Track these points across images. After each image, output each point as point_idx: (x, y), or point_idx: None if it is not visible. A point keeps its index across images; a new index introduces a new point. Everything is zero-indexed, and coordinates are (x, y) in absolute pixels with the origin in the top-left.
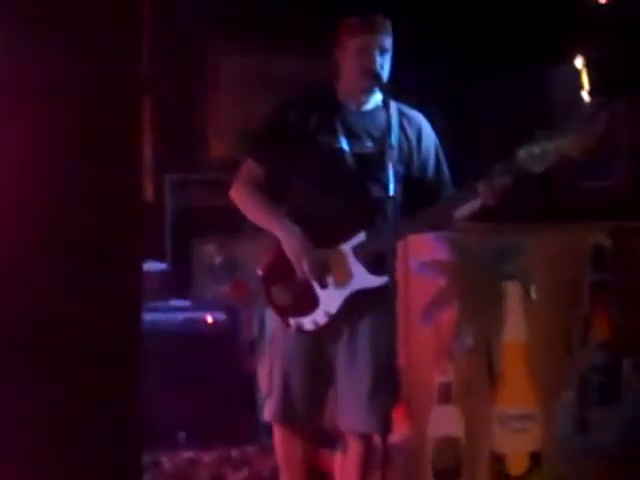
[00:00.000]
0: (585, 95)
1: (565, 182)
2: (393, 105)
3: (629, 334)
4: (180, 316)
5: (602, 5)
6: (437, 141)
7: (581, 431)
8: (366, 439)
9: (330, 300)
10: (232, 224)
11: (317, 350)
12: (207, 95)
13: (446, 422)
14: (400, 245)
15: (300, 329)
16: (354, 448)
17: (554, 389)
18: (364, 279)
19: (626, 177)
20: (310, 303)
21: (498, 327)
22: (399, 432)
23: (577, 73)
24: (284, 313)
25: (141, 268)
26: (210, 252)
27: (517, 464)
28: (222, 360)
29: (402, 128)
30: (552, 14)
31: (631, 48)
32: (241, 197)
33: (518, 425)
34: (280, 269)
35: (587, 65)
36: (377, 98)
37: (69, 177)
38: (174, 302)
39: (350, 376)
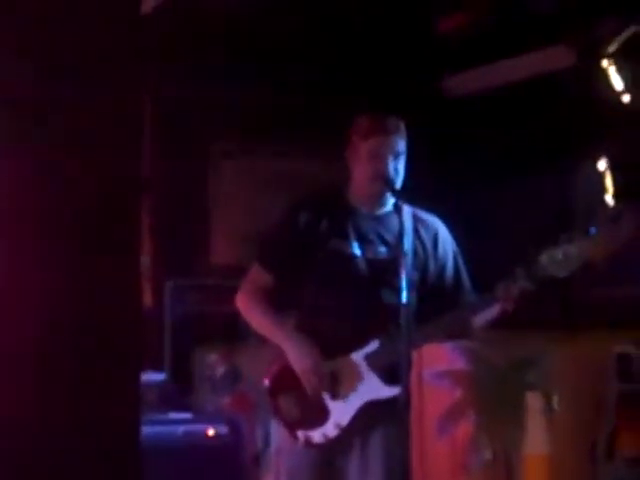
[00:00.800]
0: (609, 198)
1: (586, 288)
2: (408, 210)
3: None
4: (180, 429)
5: (626, 104)
6: (455, 246)
7: None
8: None
9: (341, 412)
10: (235, 332)
11: (326, 465)
12: (208, 198)
13: None
14: (414, 354)
15: (309, 443)
16: None
17: None
18: (377, 389)
19: None
20: (320, 415)
21: (518, 440)
22: None
23: (600, 176)
24: (292, 426)
25: (139, 379)
26: (212, 362)
27: None
28: (225, 475)
29: (417, 233)
30: (575, 114)
31: None
32: (247, 306)
33: None
34: (288, 380)
35: (610, 167)
36: (390, 202)
37: (68, 284)
38: (174, 414)
39: None
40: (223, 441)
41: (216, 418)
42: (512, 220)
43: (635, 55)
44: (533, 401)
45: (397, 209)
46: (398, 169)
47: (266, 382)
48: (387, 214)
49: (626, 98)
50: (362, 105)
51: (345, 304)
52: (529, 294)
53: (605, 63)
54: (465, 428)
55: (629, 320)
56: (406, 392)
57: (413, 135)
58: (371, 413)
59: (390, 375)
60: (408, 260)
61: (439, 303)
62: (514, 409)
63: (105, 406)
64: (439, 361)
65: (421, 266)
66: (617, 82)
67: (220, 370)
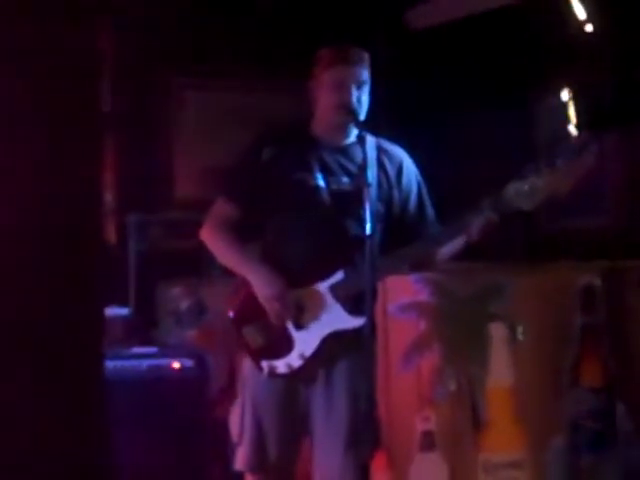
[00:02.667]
0: (572, 129)
1: (552, 219)
2: (371, 140)
3: (623, 378)
4: (145, 363)
5: (588, 34)
6: (419, 177)
7: (573, 478)
8: None
9: (306, 342)
10: (199, 266)
11: (291, 395)
12: (172, 131)
13: (429, 472)
14: (379, 286)
15: (273, 373)
16: None
17: (544, 435)
18: (342, 319)
19: (618, 214)
20: (284, 345)
21: (483, 371)
22: None
23: (563, 106)
24: (256, 356)
25: (103, 313)
26: (176, 296)
27: None
28: (190, 408)
29: (380, 164)
30: (537, 44)
31: (620, 79)
32: (212, 238)
33: (506, 473)
34: (252, 310)
35: (574, 98)
36: (354, 133)
37: (27, 219)
38: (138, 349)
39: (326, 425)
40: (188, 374)
41: (181, 352)
42: (478, 154)
43: None
44: (497, 332)
45: (361, 140)
46: (361, 99)
47: (230, 313)
48: (351, 145)
49: (589, 27)
50: (328, 39)
51: (309, 235)
52: (494, 225)
53: None
54: (430, 360)
55: (594, 252)
56: (371, 323)
57: (377, 68)
58: (335, 343)
59: (355, 306)
60: (372, 191)
61: (404, 234)
62: (478, 340)
63: (70, 340)
64: (403, 293)
65: (385, 197)
66: (579, 10)
67: (184, 304)
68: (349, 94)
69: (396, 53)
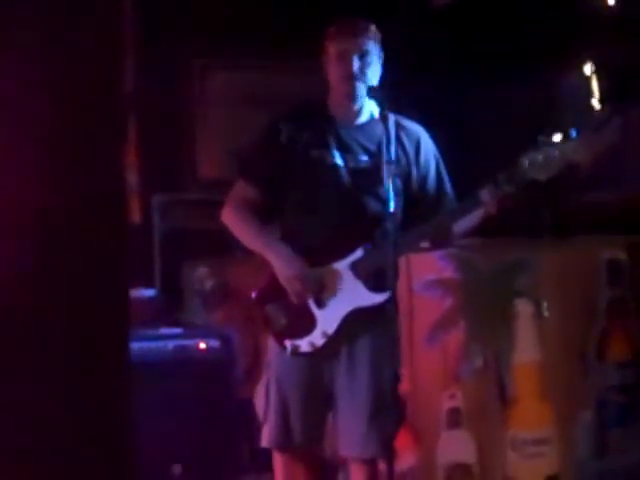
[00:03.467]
0: (595, 103)
1: (576, 193)
2: (390, 117)
3: None
4: (171, 344)
5: (611, 8)
6: (437, 153)
7: (600, 453)
8: (370, 465)
9: (328, 320)
10: (223, 246)
11: (315, 373)
12: (193, 114)
13: (456, 448)
14: (403, 264)
15: (296, 352)
16: (357, 475)
17: (570, 410)
18: (363, 297)
19: None
20: (307, 324)
21: (509, 347)
22: (406, 459)
23: (586, 80)
24: (280, 336)
25: (128, 295)
26: (201, 276)
27: None
28: (217, 388)
29: (399, 140)
30: (559, 17)
31: None
32: (233, 220)
33: (533, 449)
34: (275, 291)
35: (597, 72)
36: (371, 110)
37: (52, 201)
38: (164, 330)
39: (350, 399)
40: (214, 355)
41: (207, 332)
42: (497, 127)
43: None
44: (523, 307)
45: (382, 117)
46: (364, 69)
47: (253, 293)
48: (369, 122)
49: (611, 1)
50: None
51: (328, 214)
52: (512, 198)
53: None
54: (455, 337)
55: (619, 225)
56: (394, 299)
57: (400, 43)
58: (358, 321)
59: (375, 283)
60: (391, 168)
61: (423, 211)
62: (504, 316)
63: (95, 322)
64: (428, 270)
65: (404, 174)
66: None
67: (209, 284)
68: (350, 64)
69: (417, 30)
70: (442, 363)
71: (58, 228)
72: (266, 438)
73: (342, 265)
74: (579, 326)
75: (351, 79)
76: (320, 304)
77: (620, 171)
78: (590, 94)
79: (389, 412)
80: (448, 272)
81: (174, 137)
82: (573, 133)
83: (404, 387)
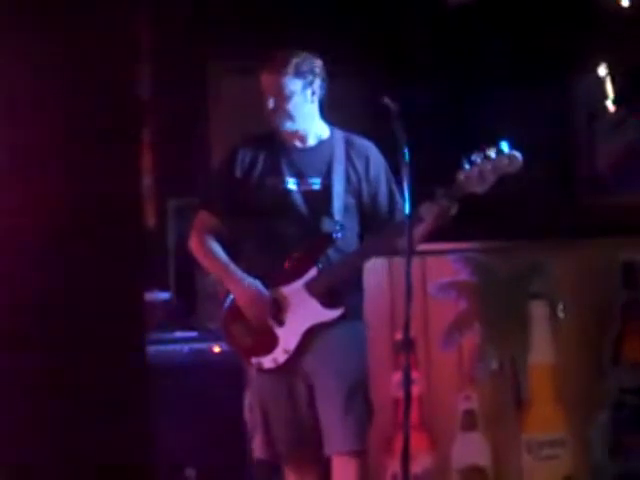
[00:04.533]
0: (609, 104)
1: (592, 196)
2: (340, 135)
3: None
4: (185, 347)
5: (625, 9)
6: (387, 168)
7: (616, 456)
8: (355, 460)
9: (288, 337)
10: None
11: (287, 386)
12: (210, 116)
13: (471, 451)
14: (417, 267)
15: (260, 368)
16: (345, 471)
17: (586, 412)
18: (319, 313)
19: None
20: (269, 342)
21: (524, 349)
22: (421, 462)
23: (601, 82)
24: (245, 354)
25: (143, 299)
26: (215, 280)
27: None
28: (232, 391)
29: (349, 158)
30: (575, 21)
31: None
32: (196, 249)
33: (548, 451)
34: (238, 313)
35: (611, 73)
36: (319, 132)
37: (70, 205)
38: (179, 333)
39: (324, 401)
40: (229, 358)
41: (222, 335)
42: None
43: None
44: (538, 309)
45: (329, 138)
46: (281, 104)
47: (221, 315)
48: (319, 144)
49: (625, 2)
50: (361, 20)
51: (284, 237)
52: (448, 211)
53: None
54: (471, 339)
55: (634, 227)
56: (350, 310)
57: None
58: (317, 335)
59: (330, 299)
60: (340, 187)
61: (376, 225)
62: (519, 318)
63: (110, 325)
64: (443, 273)
65: (355, 190)
66: None
67: (224, 287)
68: (267, 101)
69: (432, 30)
70: (457, 365)
71: (74, 232)
72: (256, 451)
73: (297, 285)
74: (594, 328)
75: (270, 114)
76: (280, 322)
77: (636, 173)
78: (604, 96)
79: (360, 407)
80: (463, 275)
81: (189, 141)
82: (506, 147)
83: (419, 390)
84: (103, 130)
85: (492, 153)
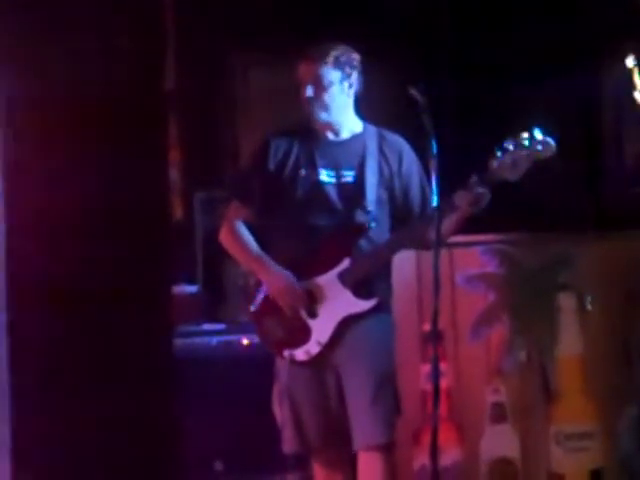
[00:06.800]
0: (637, 95)
1: (619, 188)
2: (373, 130)
3: None
4: (214, 340)
5: None
6: (419, 164)
7: None
8: (383, 455)
9: (321, 329)
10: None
11: (319, 378)
12: (236, 109)
13: (500, 443)
14: (445, 258)
15: (293, 360)
16: (372, 466)
17: (615, 404)
18: (352, 304)
19: None
20: (302, 334)
21: (552, 341)
22: (450, 455)
23: (629, 72)
24: (278, 347)
25: (171, 291)
26: (243, 272)
27: None
28: (260, 383)
29: (382, 153)
30: (604, 11)
31: None
32: (228, 241)
33: (577, 444)
34: (270, 305)
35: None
36: (352, 126)
37: (98, 199)
38: (207, 325)
39: (353, 395)
40: (258, 350)
41: (250, 328)
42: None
43: None
44: (566, 301)
45: (364, 132)
46: (319, 93)
47: (251, 308)
48: (353, 138)
49: None
50: (379, 16)
51: (317, 228)
52: (485, 198)
53: None
54: (499, 331)
55: None
56: (384, 301)
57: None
58: (351, 326)
59: (363, 290)
60: (374, 180)
61: (408, 219)
62: (547, 310)
63: (137, 319)
64: (471, 265)
65: (387, 184)
66: None
67: (252, 279)
68: (304, 90)
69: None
70: (485, 357)
71: (105, 226)
72: (285, 444)
73: (330, 275)
74: (622, 319)
75: (306, 103)
76: (312, 314)
77: None
78: (633, 87)
79: (389, 399)
80: (491, 267)
81: (216, 134)
82: (539, 134)
83: (447, 382)
84: (133, 127)
85: (525, 140)
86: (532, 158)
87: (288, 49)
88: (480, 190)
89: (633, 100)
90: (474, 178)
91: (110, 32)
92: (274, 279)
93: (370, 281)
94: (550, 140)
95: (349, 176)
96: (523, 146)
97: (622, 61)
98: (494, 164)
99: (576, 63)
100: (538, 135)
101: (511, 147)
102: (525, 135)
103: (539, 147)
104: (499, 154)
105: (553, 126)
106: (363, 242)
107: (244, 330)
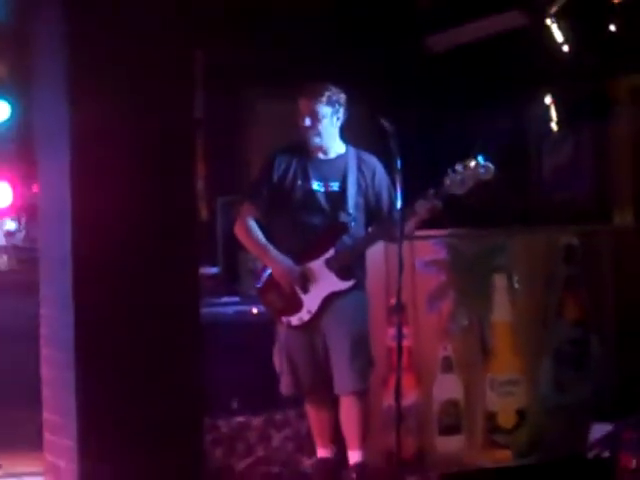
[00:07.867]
0: (553, 125)
1: (542, 193)
2: (353, 152)
3: (595, 315)
4: (231, 309)
5: (565, 53)
6: (388, 178)
7: (558, 391)
8: (359, 398)
9: (311, 302)
10: None
11: (309, 338)
12: (249, 133)
13: (448, 388)
14: (407, 249)
15: (289, 325)
16: (347, 406)
17: (535, 358)
18: (335, 284)
19: (589, 190)
20: (296, 305)
21: (488, 310)
22: (410, 397)
23: (547, 108)
24: (278, 314)
25: (199, 272)
26: (252, 258)
27: (507, 420)
28: (266, 342)
29: (360, 169)
30: (528, 61)
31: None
32: (241, 233)
33: (507, 388)
34: (273, 283)
35: (554, 101)
36: (337, 149)
37: (145, 205)
38: (226, 298)
39: (336, 352)
40: (264, 317)
41: (258, 300)
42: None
43: (571, 14)
44: (499, 281)
45: (346, 153)
46: (315, 124)
47: (258, 285)
48: (338, 157)
49: (565, 48)
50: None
51: (310, 225)
52: (437, 208)
53: (549, 21)
54: (448, 303)
55: (573, 217)
56: (360, 282)
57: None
58: (334, 300)
59: (345, 272)
60: (354, 190)
61: (379, 219)
62: (484, 287)
63: (173, 294)
64: (426, 253)
65: (364, 193)
66: (558, 36)
67: (260, 263)
68: (304, 120)
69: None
70: (437, 323)
71: (147, 225)
72: (283, 388)
73: (320, 261)
74: (542, 295)
75: (304, 130)
76: (305, 291)
77: (575, 176)
78: (550, 119)
79: (364, 355)
80: (441, 254)
81: (233, 152)
82: (481, 160)
83: (408, 342)
84: (166, 147)
85: (471, 164)
86: (476, 178)
87: (290, 86)
88: (435, 200)
89: (550, 128)
90: (431, 191)
91: (146, 76)
92: (276, 263)
93: (350, 266)
94: (490, 165)
95: (335, 186)
96: (469, 168)
97: (542, 100)
98: (447, 181)
99: (509, 102)
100: (481, 160)
101: (460, 169)
102: (472, 160)
103: (481, 170)
104: (451, 173)
105: (492, 146)
106: (345, 237)
107: (254, 302)
